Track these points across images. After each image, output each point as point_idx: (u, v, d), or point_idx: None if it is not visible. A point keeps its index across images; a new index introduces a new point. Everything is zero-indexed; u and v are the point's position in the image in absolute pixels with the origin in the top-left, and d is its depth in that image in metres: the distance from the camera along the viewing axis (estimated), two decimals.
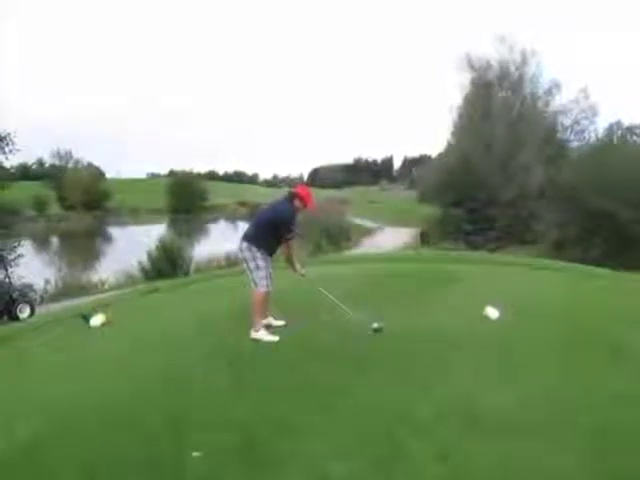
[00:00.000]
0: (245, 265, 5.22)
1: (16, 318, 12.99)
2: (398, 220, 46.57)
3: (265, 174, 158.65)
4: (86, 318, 6.29)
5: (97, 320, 6.20)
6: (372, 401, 3.63)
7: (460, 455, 2.89)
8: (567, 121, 40.51)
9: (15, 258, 17.61)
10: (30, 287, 16.08)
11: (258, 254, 5.10)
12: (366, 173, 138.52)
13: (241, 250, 5.19)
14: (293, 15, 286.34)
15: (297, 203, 5.23)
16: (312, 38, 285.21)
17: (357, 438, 3.13)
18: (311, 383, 3.97)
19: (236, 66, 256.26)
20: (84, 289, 19.86)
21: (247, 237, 5.19)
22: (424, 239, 35.42)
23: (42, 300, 17.60)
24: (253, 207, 57.48)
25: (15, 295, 13.95)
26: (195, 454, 3.00)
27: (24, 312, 13.62)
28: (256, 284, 5.13)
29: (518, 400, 3.53)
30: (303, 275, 5.51)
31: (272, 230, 5.14)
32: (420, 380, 3.93)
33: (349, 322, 5.18)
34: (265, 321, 5.32)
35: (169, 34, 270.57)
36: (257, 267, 5.10)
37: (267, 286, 5.15)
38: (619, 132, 37.66)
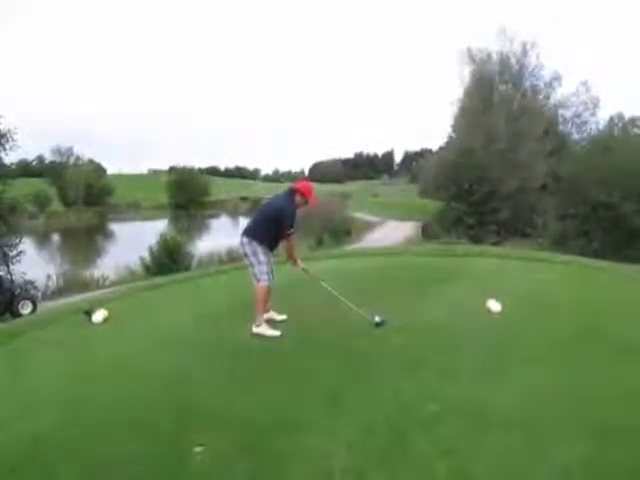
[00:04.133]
0: (246, 260, 5.22)
1: (18, 315, 13.01)
2: (399, 214, 46.55)
3: (266, 169, 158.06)
4: (88, 314, 6.28)
5: (99, 316, 6.19)
6: (375, 396, 3.62)
7: (464, 450, 2.88)
8: (568, 114, 40.50)
9: (17, 255, 17.62)
10: (32, 283, 16.11)
11: (259, 249, 5.08)
12: (367, 167, 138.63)
13: (242, 245, 5.18)
14: (294, 11, 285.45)
15: (298, 198, 5.21)
16: (313, 33, 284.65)
17: (360, 433, 3.11)
18: (313, 378, 3.96)
19: (237, 62, 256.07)
20: (85, 285, 19.91)
21: (248, 232, 5.18)
22: (425, 233, 35.42)
23: (44, 296, 17.64)
24: (254, 202, 57.48)
25: (17, 292, 13.98)
26: (197, 449, 3.00)
27: (26, 308, 13.65)
28: (258, 279, 5.12)
29: (522, 396, 3.51)
30: (304, 270, 5.50)
31: (273, 225, 5.12)
32: (423, 375, 3.92)
33: (351, 316, 5.17)
34: (267, 316, 5.32)
35: (171, 31, 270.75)
36: (258, 261, 5.09)
37: (269, 280, 5.14)
38: (620, 124, 37.60)
